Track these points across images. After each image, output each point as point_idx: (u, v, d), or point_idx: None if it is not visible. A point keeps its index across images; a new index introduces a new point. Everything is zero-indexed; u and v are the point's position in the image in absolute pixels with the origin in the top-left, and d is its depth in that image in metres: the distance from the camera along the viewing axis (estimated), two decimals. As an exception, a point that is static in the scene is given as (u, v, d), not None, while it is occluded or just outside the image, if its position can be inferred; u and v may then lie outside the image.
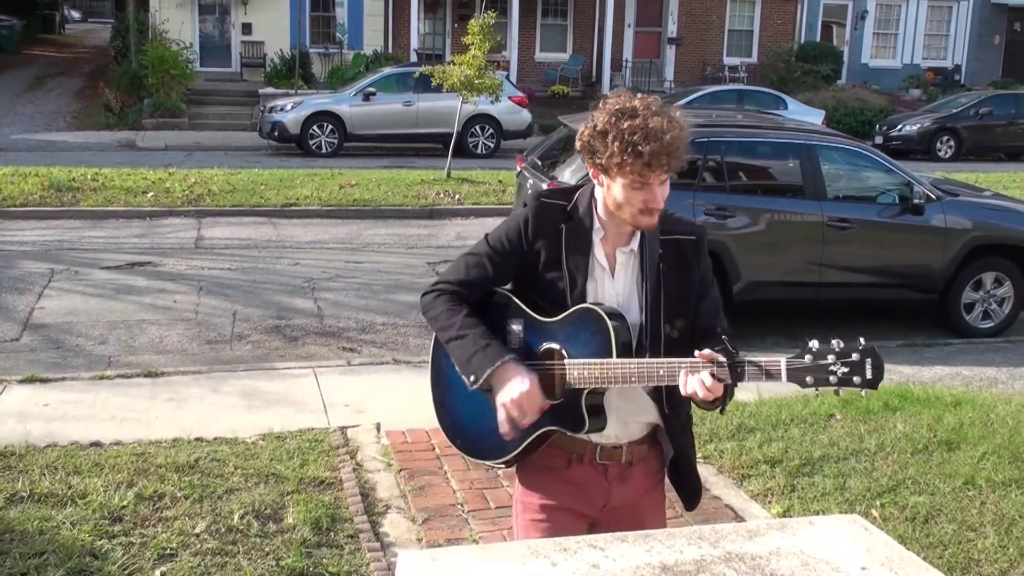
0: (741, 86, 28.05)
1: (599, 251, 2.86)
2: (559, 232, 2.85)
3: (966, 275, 9.53)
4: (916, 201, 9.34)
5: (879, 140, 24.78)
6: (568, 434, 2.86)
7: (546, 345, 2.82)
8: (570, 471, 2.94)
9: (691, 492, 3.09)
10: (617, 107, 2.71)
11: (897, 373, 8.27)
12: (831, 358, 2.56)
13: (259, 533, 4.80)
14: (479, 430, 2.95)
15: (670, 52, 32.60)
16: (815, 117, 23.09)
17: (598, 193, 2.85)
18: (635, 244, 2.87)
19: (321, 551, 4.69)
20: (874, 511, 5.27)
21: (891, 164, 9.81)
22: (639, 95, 2.79)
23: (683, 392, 2.68)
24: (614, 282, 2.87)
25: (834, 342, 2.57)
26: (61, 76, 32.27)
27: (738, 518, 5.28)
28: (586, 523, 2.98)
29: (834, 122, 25.09)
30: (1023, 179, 20.51)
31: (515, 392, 2.74)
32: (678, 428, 2.98)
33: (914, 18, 34.16)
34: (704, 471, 5.84)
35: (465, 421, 3.01)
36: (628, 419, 2.91)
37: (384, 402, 6.86)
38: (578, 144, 2.81)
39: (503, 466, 3.05)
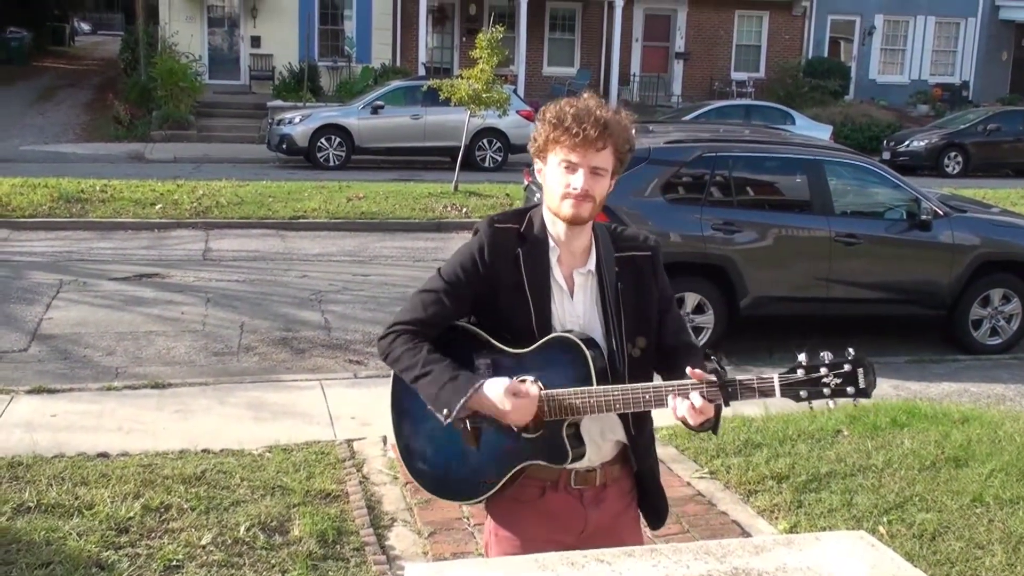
0: (749, 101, 28.09)
1: (557, 272, 2.80)
2: (516, 257, 2.77)
3: (974, 291, 9.51)
4: (924, 217, 9.33)
5: (887, 156, 24.78)
6: (545, 464, 2.77)
7: (519, 378, 2.70)
8: (544, 501, 2.85)
9: (657, 512, 3.02)
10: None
11: (905, 389, 8.26)
12: (823, 370, 2.55)
13: (265, 545, 4.80)
14: (451, 470, 2.86)
15: (678, 67, 32.65)
16: (822, 132, 23.10)
17: (544, 209, 2.82)
18: (592, 264, 2.82)
19: (327, 564, 4.69)
20: (881, 528, 5.25)
21: (899, 180, 9.80)
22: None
23: (675, 416, 2.63)
24: (574, 304, 2.80)
25: (824, 354, 2.56)
26: (70, 88, 32.41)
27: (744, 534, 5.27)
28: (564, 550, 2.88)
29: (841, 137, 25.09)
30: (1031, 195, 20.45)
31: (500, 389, 2.65)
32: (643, 448, 2.92)
33: (922, 34, 34.19)
34: (710, 486, 5.84)
35: (435, 462, 2.90)
36: (599, 441, 2.84)
37: (390, 415, 6.85)
38: (530, 147, 2.85)
39: (473, 504, 2.96)
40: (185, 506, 5.14)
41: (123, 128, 24.70)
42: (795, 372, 2.57)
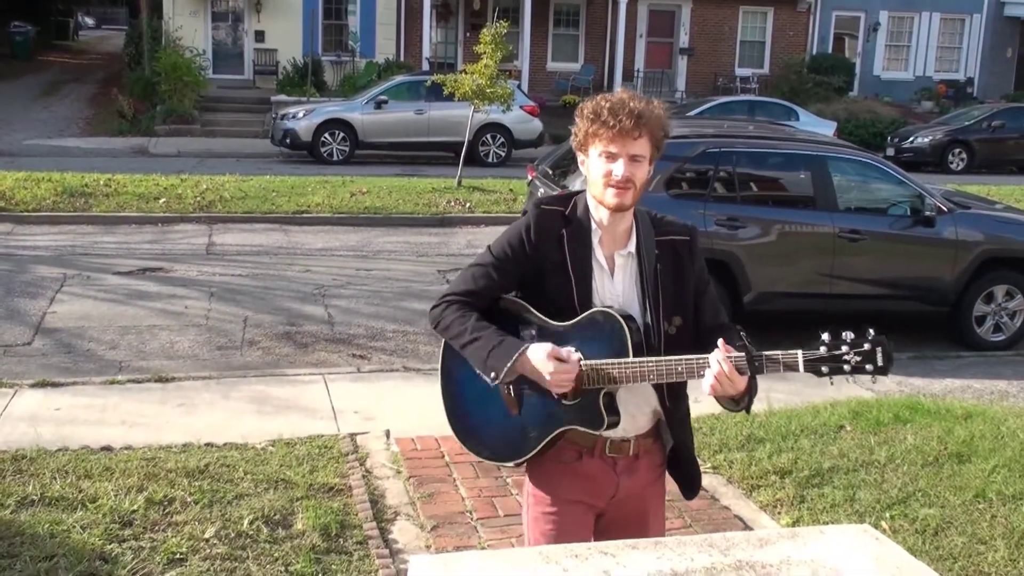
0: (753, 97, 28.05)
1: (599, 253, 2.97)
2: (560, 237, 2.95)
3: (977, 288, 9.51)
4: (927, 213, 9.33)
5: (891, 152, 24.73)
6: (581, 429, 2.94)
7: (565, 349, 2.86)
8: (581, 464, 3.02)
9: (690, 482, 3.18)
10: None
11: (908, 385, 8.26)
12: (844, 348, 2.69)
13: (268, 539, 4.81)
14: (495, 433, 3.04)
15: (682, 62, 32.61)
16: (827, 128, 23.07)
17: (588, 195, 2.99)
18: (632, 247, 2.99)
19: (330, 557, 4.70)
20: (884, 523, 5.25)
21: (903, 176, 9.79)
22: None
23: (705, 389, 2.77)
24: (613, 283, 2.97)
25: (845, 334, 2.70)
26: (74, 82, 32.42)
27: (747, 529, 5.27)
28: (594, 514, 3.09)
29: (846, 133, 25.06)
30: (1035, 192, 20.44)
31: (541, 354, 2.81)
32: (678, 420, 3.08)
33: (927, 31, 34.12)
34: (714, 481, 5.85)
35: (479, 426, 3.07)
36: (635, 413, 3.01)
37: (394, 409, 6.88)
38: (572, 141, 3.01)
39: (512, 466, 3.13)
40: (189, 499, 5.15)
41: (127, 122, 24.71)
42: (818, 349, 2.71)
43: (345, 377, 7.71)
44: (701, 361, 2.78)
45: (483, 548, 4.89)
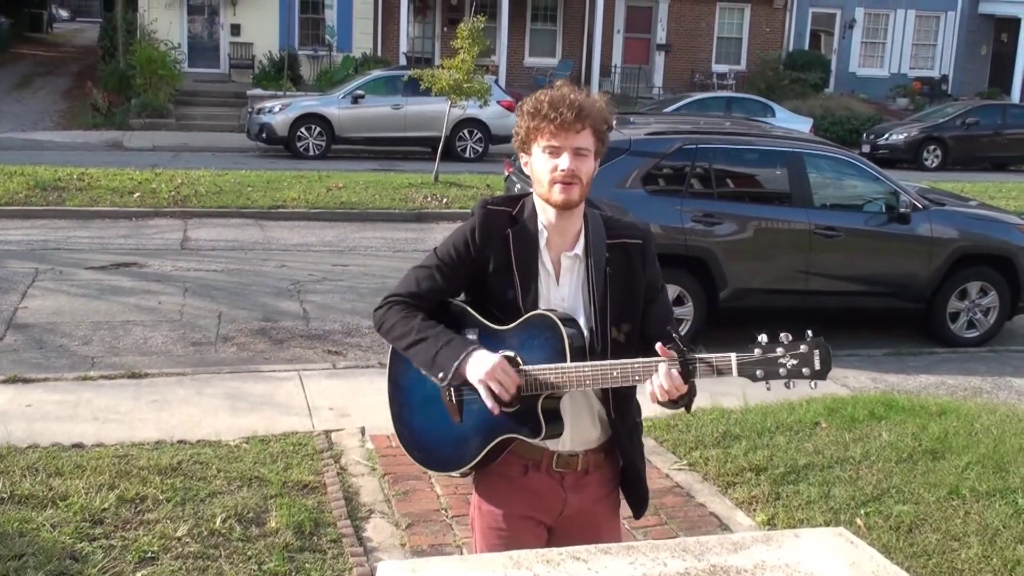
0: (729, 93, 28.13)
1: (545, 256, 2.89)
2: (506, 238, 2.88)
3: (952, 284, 9.56)
4: (902, 210, 9.37)
5: (866, 149, 24.87)
6: (526, 441, 2.85)
7: (502, 352, 2.79)
8: (527, 479, 2.95)
9: (639, 500, 3.09)
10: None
11: (882, 382, 8.29)
12: (780, 351, 2.61)
13: (241, 537, 4.77)
14: (437, 441, 2.96)
15: (659, 58, 32.66)
16: (803, 125, 23.17)
17: (535, 196, 2.91)
18: (579, 249, 2.90)
19: (304, 555, 4.67)
20: (858, 520, 5.27)
21: (878, 173, 9.83)
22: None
23: (648, 397, 2.71)
24: (559, 288, 2.89)
25: (782, 335, 2.62)
26: (48, 75, 32.14)
27: (723, 526, 5.28)
28: (544, 529, 3.01)
29: (822, 130, 25.17)
30: (1009, 189, 20.60)
31: (487, 366, 2.72)
32: (625, 435, 2.98)
33: (902, 28, 34.30)
34: (689, 478, 5.85)
35: (423, 433, 3.00)
36: (582, 426, 2.92)
37: (369, 406, 6.83)
38: (514, 142, 2.96)
39: (459, 476, 3.04)
40: (161, 497, 5.10)
41: (101, 116, 24.52)
42: (753, 352, 2.63)
43: (320, 373, 7.67)
44: (637, 366, 2.70)
45: (458, 546, 4.87)
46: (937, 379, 8.53)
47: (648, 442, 6.26)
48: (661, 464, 6.00)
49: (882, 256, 9.38)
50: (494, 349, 2.79)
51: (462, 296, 2.97)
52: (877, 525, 5.23)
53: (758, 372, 2.62)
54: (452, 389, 2.83)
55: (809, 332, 2.61)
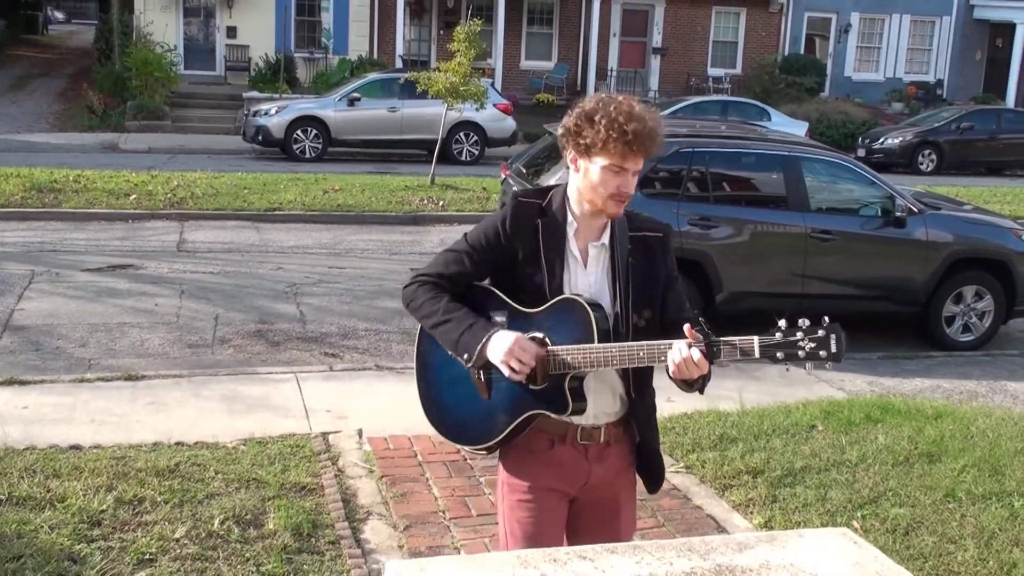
0: (725, 97, 28.18)
1: (573, 245, 3.04)
2: (536, 228, 3.02)
3: (947, 288, 9.59)
4: (898, 214, 9.39)
5: (861, 153, 24.91)
6: (551, 417, 3.00)
7: (530, 334, 2.95)
8: (553, 452, 3.09)
9: (654, 476, 3.25)
10: (604, 96, 2.95)
11: (879, 385, 8.31)
12: (799, 335, 2.77)
13: (239, 539, 4.78)
14: (465, 417, 3.10)
15: (655, 62, 32.68)
16: (798, 129, 23.19)
17: (571, 189, 3.04)
18: (606, 239, 3.06)
19: (302, 557, 4.67)
20: (855, 522, 5.28)
21: (874, 177, 9.85)
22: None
23: (670, 372, 2.85)
24: (586, 274, 3.04)
25: (801, 321, 2.78)
26: (44, 77, 32.10)
27: (720, 528, 5.29)
28: (567, 500, 3.15)
29: (817, 134, 25.19)
30: (1003, 193, 20.64)
31: (506, 343, 2.88)
32: (643, 415, 3.15)
33: (897, 32, 34.36)
34: (686, 481, 5.86)
35: (451, 409, 3.14)
36: (604, 400, 3.08)
37: (366, 408, 6.84)
38: (561, 130, 3.00)
39: (485, 451, 3.16)
40: (158, 499, 5.10)
41: (97, 118, 24.48)
42: (774, 335, 2.78)
43: (317, 376, 7.67)
44: (663, 347, 2.85)
45: (456, 548, 4.88)
46: (933, 383, 8.55)
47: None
48: (658, 467, 6.00)
49: (878, 260, 9.40)
50: (524, 331, 2.95)
51: (487, 281, 3.10)
52: (874, 528, 5.24)
53: (779, 354, 2.76)
54: (481, 368, 2.98)
55: (826, 318, 2.77)
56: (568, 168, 3.03)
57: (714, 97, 27.86)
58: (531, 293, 3.00)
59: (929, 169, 25.51)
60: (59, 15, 59.27)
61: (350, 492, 5.48)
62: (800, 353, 2.75)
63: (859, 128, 28.02)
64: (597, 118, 2.87)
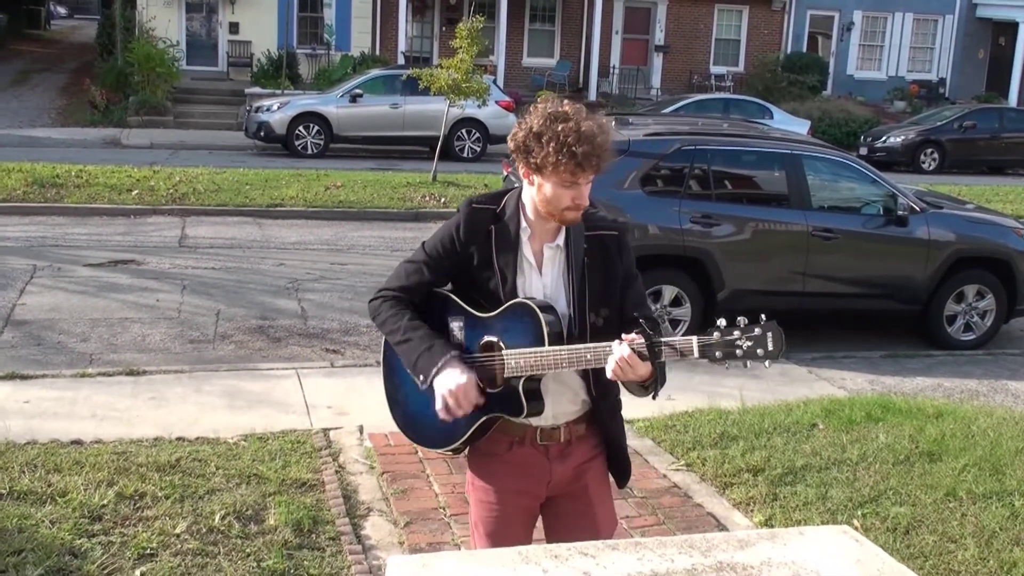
0: (727, 95, 28.13)
1: (527, 249, 3.07)
2: (489, 233, 3.06)
3: (948, 287, 9.58)
4: (900, 213, 9.38)
5: (864, 151, 24.87)
6: (510, 419, 3.06)
7: (485, 338, 3.04)
8: (512, 454, 3.15)
9: (622, 472, 3.30)
10: (550, 111, 2.95)
11: (879, 384, 8.31)
12: (736, 334, 2.78)
13: (240, 534, 4.78)
14: (428, 421, 3.13)
15: (657, 60, 32.66)
16: (800, 127, 23.19)
17: (525, 195, 3.07)
18: (560, 240, 3.07)
19: (302, 553, 4.67)
20: (856, 521, 5.27)
21: (876, 175, 9.85)
22: (566, 101, 3.00)
23: (608, 374, 2.87)
24: (541, 277, 3.08)
25: (739, 319, 2.80)
26: (46, 72, 32.12)
27: (720, 526, 5.29)
28: (535, 501, 3.20)
29: (819, 132, 25.18)
30: (1005, 192, 20.63)
31: (453, 383, 2.95)
32: (607, 412, 3.19)
33: (899, 31, 34.33)
34: (687, 479, 5.86)
35: (415, 413, 3.20)
36: (563, 401, 3.12)
37: (367, 404, 6.82)
38: (511, 144, 3.01)
39: (451, 453, 3.26)
40: (159, 494, 5.10)
41: (99, 113, 24.50)
42: (712, 335, 2.79)
43: (318, 372, 7.68)
44: (608, 348, 2.86)
45: (456, 544, 4.88)
46: (934, 381, 8.55)
47: (646, 442, 6.28)
48: (659, 464, 6.01)
49: (879, 259, 9.39)
50: (479, 335, 3.04)
51: (449, 285, 3.16)
52: (874, 527, 5.24)
53: (717, 353, 2.78)
54: None
55: (763, 316, 2.78)
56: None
57: (716, 95, 27.82)
58: (487, 297, 3.05)
59: (931, 168, 25.49)
60: (61, 10, 59.30)
61: (351, 488, 5.49)
62: (738, 352, 2.76)
63: (861, 126, 28.00)
64: (545, 140, 2.88)
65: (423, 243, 3.18)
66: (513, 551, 2.45)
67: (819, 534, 2.67)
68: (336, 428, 6.37)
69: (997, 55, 34.79)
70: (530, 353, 2.94)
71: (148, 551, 4.55)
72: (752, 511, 5.46)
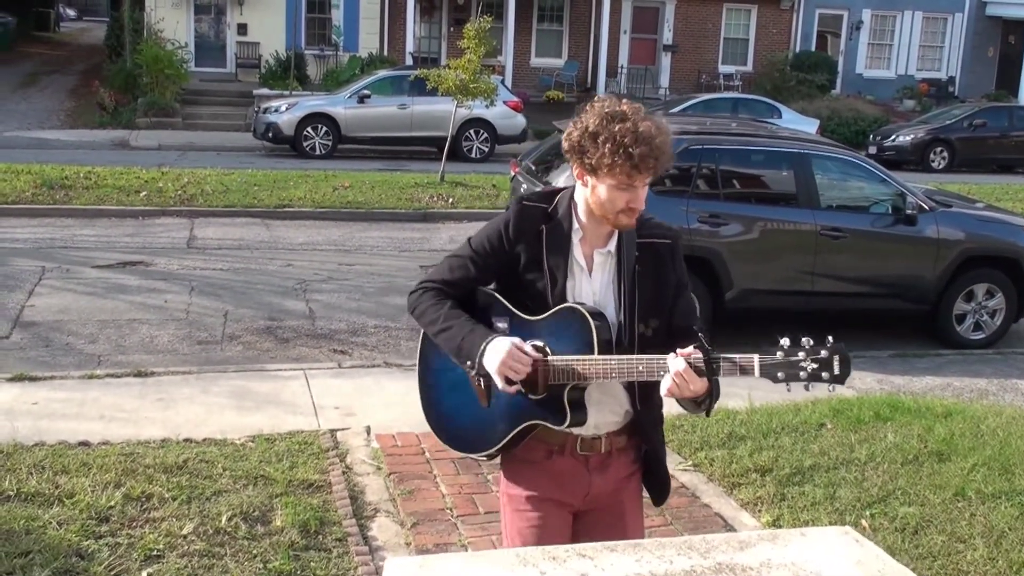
0: (736, 94, 28.09)
1: (578, 251, 2.95)
2: (539, 233, 2.94)
3: (958, 286, 9.54)
4: (909, 211, 9.35)
5: (873, 150, 24.82)
6: (550, 428, 2.93)
7: (531, 342, 2.88)
8: (552, 463, 3.03)
9: (660, 488, 3.20)
10: (607, 110, 2.81)
11: (888, 383, 8.28)
12: (801, 355, 2.66)
13: (247, 535, 4.78)
14: (464, 424, 3.06)
15: (665, 59, 32.63)
16: (809, 126, 23.12)
17: (578, 196, 2.95)
18: (612, 246, 2.96)
19: (309, 554, 4.67)
20: (864, 521, 5.26)
21: (884, 174, 9.81)
22: (625, 100, 2.88)
23: (663, 391, 2.77)
24: (591, 281, 2.96)
25: (804, 340, 2.68)
26: (55, 74, 32.20)
27: (728, 527, 5.27)
28: (569, 512, 3.08)
29: (828, 131, 25.12)
30: (1015, 191, 20.57)
31: (500, 354, 2.80)
32: (649, 424, 3.08)
33: (909, 29, 34.25)
34: (694, 479, 5.84)
35: (451, 415, 3.10)
36: (606, 411, 3.00)
37: (374, 405, 6.84)
38: (566, 144, 2.89)
39: (486, 459, 3.13)
40: (167, 495, 5.11)
41: (107, 115, 24.55)
42: (775, 354, 2.68)
43: (326, 373, 7.67)
44: (662, 361, 2.75)
45: (463, 546, 4.87)
46: (943, 381, 8.52)
47: (653, 442, 6.26)
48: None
49: (888, 258, 9.36)
50: (525, 338, 2.87)
51: (493, 285, 3.04)
52: (882, 526, 5.22)
53: (779, 374, 2.67)
54: (482, 375, 2.90)
55: (830, 338, 2.67)
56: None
57: (725, 94, 27.78)
58: (534, 299, 2.93)
59: (941, 166, 25.42)
60: (70, 12, 59.46)
61: (358, 489, 5.49)
62: (801, 374, 2.66)
63: (870, 125, 27.93)
64: (601, 140, 2.77)
65: (469, 239, 3.05)
66: (511, 552, 2.44)
67: (820, 535, 2.66)
68: (343, 429, 6.37)
69: (1007, 53, 34.68)
70: (578, 360, 2.82)
71: (155, 552, 4.56)
72: (760, 511, 5.45)
